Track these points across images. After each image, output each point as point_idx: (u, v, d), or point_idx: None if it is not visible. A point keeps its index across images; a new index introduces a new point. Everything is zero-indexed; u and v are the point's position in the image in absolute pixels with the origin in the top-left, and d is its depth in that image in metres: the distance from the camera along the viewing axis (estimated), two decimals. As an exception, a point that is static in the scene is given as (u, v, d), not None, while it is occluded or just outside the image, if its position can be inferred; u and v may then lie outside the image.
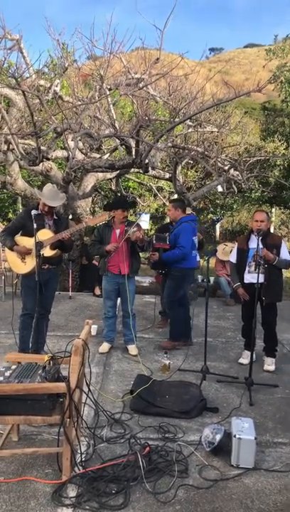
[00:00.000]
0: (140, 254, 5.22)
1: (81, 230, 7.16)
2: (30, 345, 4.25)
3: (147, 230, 11.36)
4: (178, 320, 5.33)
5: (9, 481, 2.74)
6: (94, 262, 8.22)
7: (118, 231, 5.01)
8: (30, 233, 4.22)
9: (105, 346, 5.11)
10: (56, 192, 4.47)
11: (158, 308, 6.39)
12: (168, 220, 8.62)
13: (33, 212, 4.15)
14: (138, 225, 4.94)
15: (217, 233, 15.52)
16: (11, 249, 4.36)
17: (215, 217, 14.29)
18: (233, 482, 2.83)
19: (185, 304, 5.44)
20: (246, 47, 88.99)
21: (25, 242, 4.35)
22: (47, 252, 4.30)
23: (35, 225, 4.05)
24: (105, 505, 2.55)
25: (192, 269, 5.35)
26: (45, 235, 4.30)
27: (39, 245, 4.09)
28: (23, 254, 4.34)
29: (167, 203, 12.07)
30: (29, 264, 4.32)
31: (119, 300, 5.25)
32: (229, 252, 7.59)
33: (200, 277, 8.79)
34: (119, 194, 11.06)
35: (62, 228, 4.42)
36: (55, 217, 4.53)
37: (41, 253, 4.07)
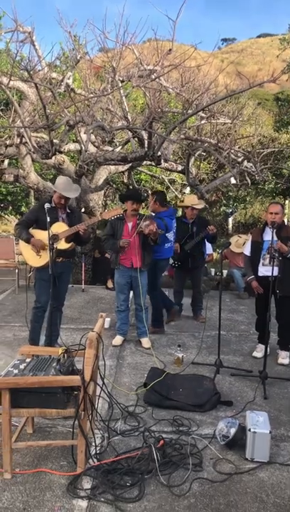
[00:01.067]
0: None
1: (94, 224, 7.15)
2: (45, 338, 4.27)
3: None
4: (157, 308, 5.58)
5: (25, 473, 2.77)
6: (106, 255, 8.22)
7: (130, 224, 4.98)
8: (44, 226, 4.22)
9: (118, 339, 5.13)
10: (70, 183, 4.47)
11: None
12: (179, 213, 8.57)
13: (46, 205, 4.15)
14: (151, 219, 4.91)
15: (230, 226, 15.40)
16: (28, 241, 4.36)
17: (228, 210, 14.17)
18: (248, 476, 2.82)
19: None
20: (259, 37, 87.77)
21: (40, 235, 4.35)
22: (62, 245, 4.30)
23: (48, 219, 4.06)
24: (120, 498, 2.56)
25: (164, 260, 5.55)
26: (60, 227, 4.30)
27: (53, 238, 4.09)
28: (39, 248, 4.34)
29: (179, 196, 12.03)
30: (44, 257, 4.31)
31: (131, 293, 5.26)
32: (242, 244, 7.54)
33: (213, 270, 8.75)
34: (131, 187, 11.02)
35: (75, 221, 4.42)
36: (68, 210, 4.53)
37: (54, 246, 4.08)
